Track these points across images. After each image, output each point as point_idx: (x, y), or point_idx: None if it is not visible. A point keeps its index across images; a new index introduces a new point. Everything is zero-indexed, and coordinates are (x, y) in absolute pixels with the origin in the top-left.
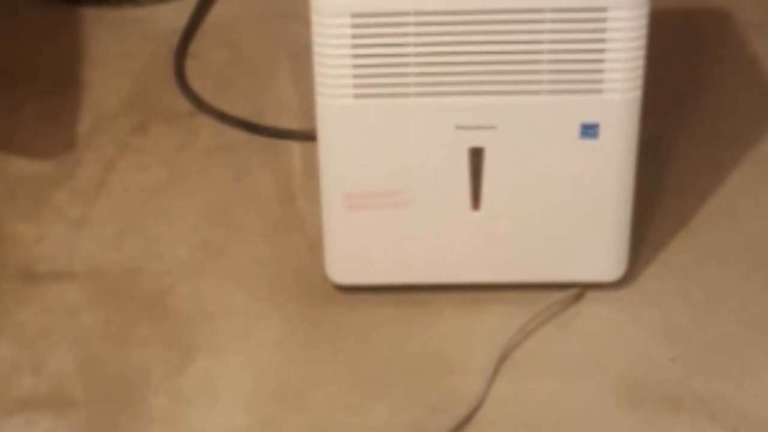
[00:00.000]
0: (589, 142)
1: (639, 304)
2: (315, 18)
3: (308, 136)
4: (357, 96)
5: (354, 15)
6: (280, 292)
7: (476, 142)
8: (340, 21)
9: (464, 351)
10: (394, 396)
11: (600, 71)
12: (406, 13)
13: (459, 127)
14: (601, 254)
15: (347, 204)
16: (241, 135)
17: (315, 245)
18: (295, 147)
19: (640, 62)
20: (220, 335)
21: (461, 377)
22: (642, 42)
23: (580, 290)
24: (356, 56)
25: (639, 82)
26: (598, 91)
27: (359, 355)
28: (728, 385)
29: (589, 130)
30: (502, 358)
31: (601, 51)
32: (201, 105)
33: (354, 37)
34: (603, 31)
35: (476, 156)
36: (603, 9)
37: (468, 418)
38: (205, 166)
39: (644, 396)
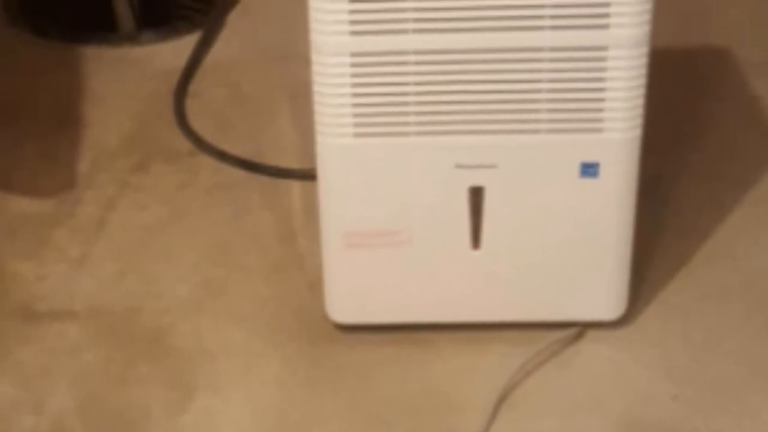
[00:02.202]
0: (589, 181)
1: (639, 343)
2: (315, 57)
3: (308, 176)
4: (357, 135)
5: (354, 54)
6: (281, 331)
7: (476, 181)
8: (340, 60)
9: (464, 390)
10: None
11: (600, 110)
12: (405, 53)
13: (459, 166)
14: (601, 293)
15: (347, 243)
16: (241, 174)
17: (315, 284)
18: (295, 186)
19: (640, 101)
20: (221, 374)
21: (461, 416)
22: (642, 81)
23: (580, 329)
24: (356, 95)
25: (639, 121)
26: (598, 130)
27: (359, 393)
28: (728, 424)
29: (589, 170)
30: (502, 397)
31: (601, 90)
32: (201, 144)
33: (354, 76)
34: (603, 70)
35: (476, 195)
36: (603, 48)
37: None
38: (205, 205)
39: None
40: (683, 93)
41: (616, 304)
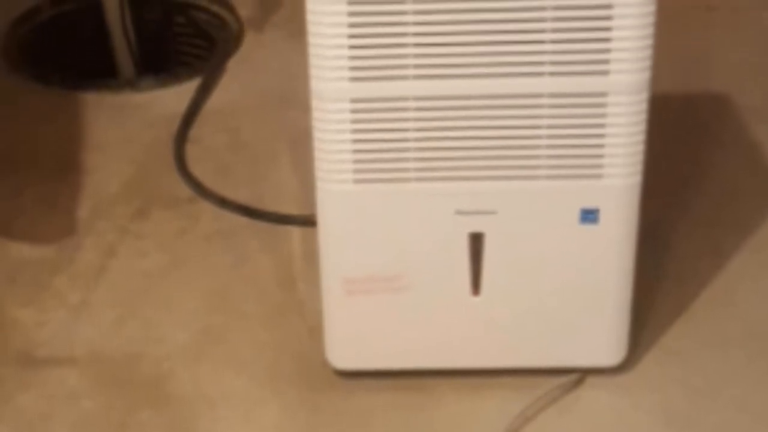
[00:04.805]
0: (589, 227)
1: (639, 389)
2: (315, 103)
3: (308, 222)
4: (357, 181)
5: (354, 100)
6: (280, 377)
7: (476, 227)
8: (340, 106)
9: None
10: None
11: (600, 156)
12: (405, 99)
13: (459, 212)
14: (602, 339)
15: (347, 289)
16: (241, 220)
17: (315, 330)
18: (294, 232)
19: (640, 147)
20: (220, 420)
21: None
22: (642, 127)
23: (580, 375)
24: (356, 141)
25: (639, 167)
26: (598, 176)
27: None
28: None
29: (589, 216)
30: None
31: (601, 136)
32: (201, 190)
33: (354, 122)
34: (603, 116)
35: (476, 241)
36: (603, 94)
37: None
38: (205, 251)
39: None
40: (684, 138)
41: (616, 350)
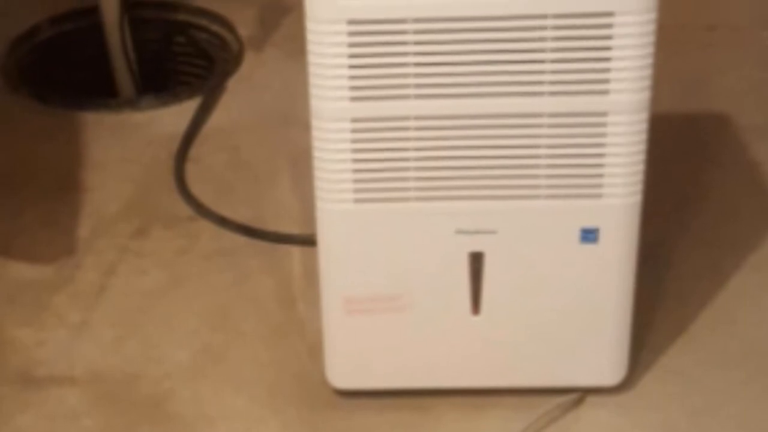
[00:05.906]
0: (589, 247)
1: (639, 408)
2: (315, 123)
3: (308, 241)
4: (357, 201)
5: (354, 120)
6: (280, 397)
7: (476, 247)
8: (340, 126)
9: None
10: None
11: (600, 176)
12: (406, 118)
13: (459, 232)
14: (601, 359)
15: (347, 308)
16: (241, 239)
17: (315, 350)
18: (295, 252)
19: (640, 167)
20: None
21: None
22: (642, 147)
23: (580, 395)
24: (356, 161)
25: (639, 187)
26: (598, 196)
27: None
28: None
29: (589, 235)
30: None
31: (601, 156)
32: (201, 209)
33: (354, 141)
34: (603, 135)
35: (476, 260)
36: (603, 114)
37: None
38: (205, 270)
39: None
40: (684, 158)
41: (616, 369)
